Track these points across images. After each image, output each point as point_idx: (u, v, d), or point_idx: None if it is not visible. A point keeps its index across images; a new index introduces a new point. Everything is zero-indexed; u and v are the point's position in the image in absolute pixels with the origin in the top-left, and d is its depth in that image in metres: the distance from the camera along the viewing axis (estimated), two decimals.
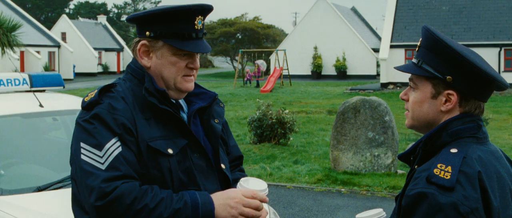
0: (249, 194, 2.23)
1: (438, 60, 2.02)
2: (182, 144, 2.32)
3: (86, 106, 2.32)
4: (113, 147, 2.20)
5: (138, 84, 2.38)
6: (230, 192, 2.25)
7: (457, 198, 1.85)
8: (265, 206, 4.48)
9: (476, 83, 2.02)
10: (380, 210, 2.25)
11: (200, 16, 2.33)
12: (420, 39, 2.12)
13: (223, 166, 2.49)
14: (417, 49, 2.13)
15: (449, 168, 1.90)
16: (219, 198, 2.23)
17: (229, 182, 2.50)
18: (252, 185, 2.24)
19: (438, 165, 1.92)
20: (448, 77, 2.01)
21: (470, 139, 2.02)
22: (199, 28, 2.34)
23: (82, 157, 2.21)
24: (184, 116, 2.47)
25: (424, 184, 1.89)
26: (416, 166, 2.07)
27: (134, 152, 2.23)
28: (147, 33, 2.35)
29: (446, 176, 1.88)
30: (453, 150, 1.96)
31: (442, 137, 2.02)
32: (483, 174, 1.92)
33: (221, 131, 2.56)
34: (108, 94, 2.34)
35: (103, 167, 2.17)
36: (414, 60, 2.11)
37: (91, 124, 2.25)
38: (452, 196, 1.85)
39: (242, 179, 2.27)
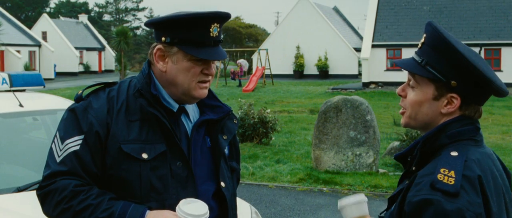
0: None
1: (444, 63, 1.97)
2: (160, 150, 2.31)
3: (74, 99, 2.43)
4: (72, 144, 2.28)
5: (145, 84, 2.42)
6: (163, 213, 2.21)
7: (462, 204, 1.81)
8: (247, 205, 4.51)
9: (479, 90, 1.99)
10: (362, 195, 2.28)
11: (216, 24, 2.33)
12: (424, 35, 2.05)
13: (222, 184, 2.46)
14: (420, 46, 2.06)
15: (452, 173, 1.86)
16: None
17: (226, 201, 2.47)
18: (189, 210, 2.16)
19: (441, 170, 1.87)
20: (453, 82, 1.96)
21: (468, 141, 1.99)
22: (214, 35, 2.33)
23: (52, 144, 2.35)
24: (190, 124, 2.46)
25: (429, 190, 1.85)
26: (413, 168, 2.03)
27: (94, 152, 2.28)
28: (163, 38, 2.35)
29: (450, 182, 1.84)
30: (454, 153, 1.93)
31: (440, 139, 1.99)
32: (483, 179, 1.89)
33: (227, 147, 2.56)
34: (99, 92, 2.42)
35: (57, 160, 2.29)
36: (416, 57, 2.05)
37: (66, 117, 2.37)
38: (458, 202, 1.81)
39: (182, 202, 2.19)
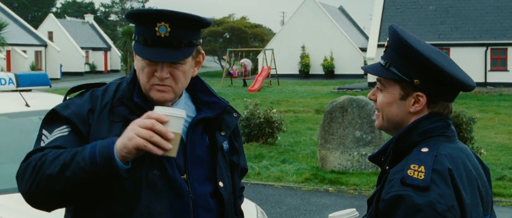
0: (145, 114, 2.03)
1: (406, 64, 2.02)
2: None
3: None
4: (60, 131, 2.20)
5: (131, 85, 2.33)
6: (129, 128, 2.04)
7: (433, 197, 1.85)
8: (252, 205, 4.50)
9: (444, 86, 2.03)
10: (353, 209, 2.26)
11: (163, 23, 2.16)
12: (387, 39, 2.11)
13: (221, 184, 2.37)
14: (384, 49, 2.12)
15: (422, 168, 1.90)
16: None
17: (222, 201, 2.37)
18: (167, 111, 2.04)
19: (411, 166, 1.91)
20: (415, 81, 2.01)
21: (439, 137, 2.02)
22: (161, 35, 2.17)
23: (36, 141, 2.27)
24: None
25: (399, 186, 1.89)
26: (387, 167, 2.06)
27: (81, 144, 2.16)
28: (134, 34, 2.28)
29: (420, 176, 1.88)
30: (424, 149, 1.97)
31: (412, 137, 2.03)
32: (453, 171, 1.93)
33: (227, 142, 2.47)
34: (84, 93, 2.35)
35: (46, 142, 2.20)
36: (381, 61, 2.11)
37: (48, 114, 2.29)
38: (428, 196, 1.85)
39: (158, 107, 2.07)
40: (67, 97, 2.39)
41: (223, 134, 2.42)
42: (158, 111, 2.03)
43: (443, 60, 2.02)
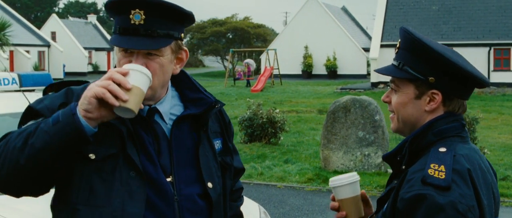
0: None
1: (420, 62, 2.03)
2: (109, 152, 2.09)
3: None
4: (35, 122, 2.11)
5: None
6: (89, 89, 1.98)
7: (455, 197, 1.85)
8: (255, 205, 4.50)
9: (459, 83, 2.03)
10: (354, 173, 2.29)
11: (137, 10, 2.09)
12: (399, 40, 2.12)
13: (210, 184, 2.27)
14: (396, 51, 2.12)
15: (442, 167, 1.89)
16: None
17: (211, 202, 2.27)
18: (127, 66, 2.04)
19: (431, 165, 1.90)
20: (430, 78, 2.02)
21: (455, 138, 2.02)
22: (136, 22, 2.09)
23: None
24: (165, 124, 2.23)
25: (420, 186, 1.88)
26: (403, 167, 2.06)
27: None
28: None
29: (441, 176, 1.87)
30: (442, 149, 1.96)
31: (427, 136, 2.02)
32: (472, 172, 1.92)
33: (221, 141, 2.39)
34: (61, 89, 2.27)
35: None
36: (394, 62, 2.11)
37: (24, 111, 2.20)
38: (450, 196, 1.85)
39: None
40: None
41: (212, 131, 2.35)
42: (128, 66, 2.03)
43: (458, 57, 2.02)
